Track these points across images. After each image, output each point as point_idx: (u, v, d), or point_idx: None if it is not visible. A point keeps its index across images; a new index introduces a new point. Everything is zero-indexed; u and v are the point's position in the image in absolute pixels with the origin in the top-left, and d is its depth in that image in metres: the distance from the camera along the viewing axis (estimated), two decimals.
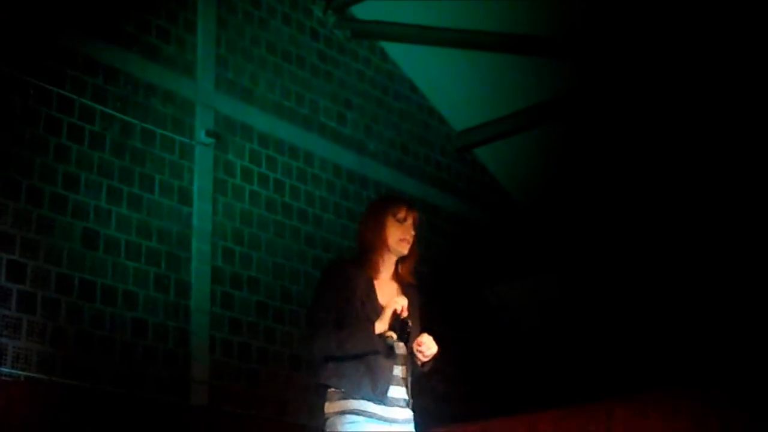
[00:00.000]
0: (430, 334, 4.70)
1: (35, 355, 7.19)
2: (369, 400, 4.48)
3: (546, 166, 11.14)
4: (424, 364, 4.70)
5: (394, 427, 4.52)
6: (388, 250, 4.78)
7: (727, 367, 7.67)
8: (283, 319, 8.92)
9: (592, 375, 10.15)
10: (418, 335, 4.68)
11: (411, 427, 4.61)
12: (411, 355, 4.67)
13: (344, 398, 4.47)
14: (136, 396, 7.66)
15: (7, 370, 7.02)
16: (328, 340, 4.53)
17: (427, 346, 4.65)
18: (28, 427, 6.81)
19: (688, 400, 7.18)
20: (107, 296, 7.73)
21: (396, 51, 10.76)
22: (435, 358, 4.72)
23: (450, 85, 10.95)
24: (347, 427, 4.43)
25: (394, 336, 4.62)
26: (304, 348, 4.69)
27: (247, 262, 8.79)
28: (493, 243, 11.28)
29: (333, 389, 4.52)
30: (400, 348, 4.67)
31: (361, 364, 4.54)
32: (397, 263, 4.84)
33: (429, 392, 9.62)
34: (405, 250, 4.79)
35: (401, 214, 4.81)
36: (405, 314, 4.63)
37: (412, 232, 4.81)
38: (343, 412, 4.45)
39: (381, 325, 4.60)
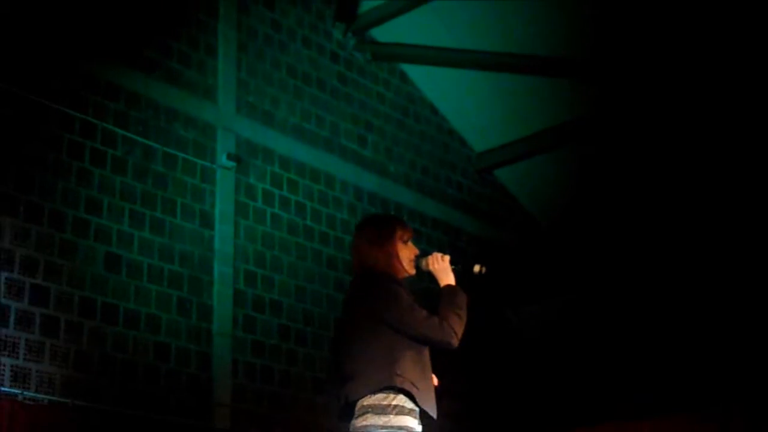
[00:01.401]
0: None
1: (59, 379, 7.21)
2: (429, 410, 4.50)
3: (567, 187, 11.13)
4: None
5: None
6: (403, 270, 4.81)
7: (749, 390, 7.66)
8: (306, 341, 8.92)
9: (614, 398, 10.11)
10: None
11: None
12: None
13: (400, 414, 4.44)
14: (159, 419, 7.66)
15: (31, 393, 7.04)
16: (448, 325, 4.56)
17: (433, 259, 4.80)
18: None
19: (710, 423, 7.15)
20: (130, 320, 7.74)
21: (416, 73, 10.78)
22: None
23: (470, 107, 10.96)
24: None
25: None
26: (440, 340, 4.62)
27: (269, 285, 8.80)
28: (515, 265, 11.24)
29: (383, 403, 4.46)
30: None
31: (426, 375, 4.56)
32: None
33: (443, 411, 9.58)
34: (412, 270, 4.83)
35: (406, 236, 4.85)
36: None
37: (416, 251, 4.86)
38: (398, 428, 4.42)
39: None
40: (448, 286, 4.78)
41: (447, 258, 4.86)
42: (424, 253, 4.88)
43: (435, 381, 4.72)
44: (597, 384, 10.64)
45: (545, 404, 10.43)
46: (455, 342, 4.55)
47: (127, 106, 8.14)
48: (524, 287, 11.13)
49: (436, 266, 4.83)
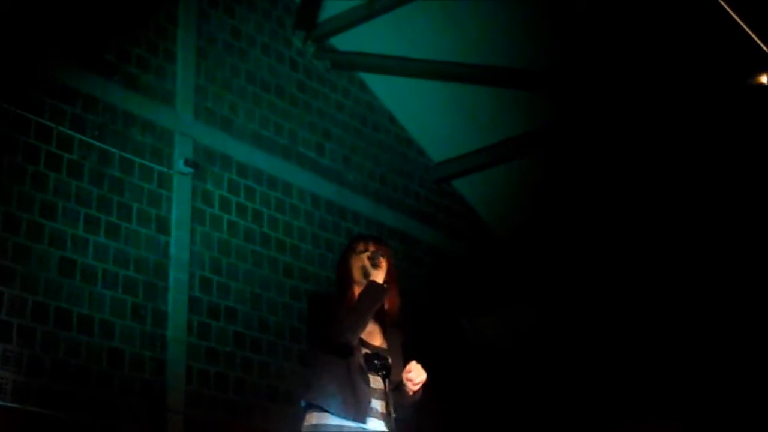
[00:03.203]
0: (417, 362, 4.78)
1: (10, 384, 7.13)
2: (347, 419, 4.47)
3: (524, 198, 11.18)
4: (414, 392, 4.75)
5: None
6: (355, 281, 4.90)
7: (708, 401, 7.71)
8: (261, 349, 8.89)
9: (570, 407, 10.15)
10: (401, 370, 4.74)
11: None
12: (396, 389, 4.72)
13: (321, 413, 4.47)
14: (112, 426, 7.60)
15: None
16: (340, 326, 4.64)
17: (416, 373, 4.73)
18: None
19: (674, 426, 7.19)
20: (84, 325, 7.68)
21: (375, 82, 10.80)
22: (424, 385, 4.76)
23: (428, 117, 10.99)
24: None
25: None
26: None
27: (224, 292, 8.76)
28: (472, 275, 11.28)
29: (307, 424, 4.51)
30: (377, 382, 4.67)
31: (340, 381, 4.55)
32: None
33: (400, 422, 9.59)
34: (364, 277, 4.89)
35: (360, 247, 4.98)
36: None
37: (362, 257, 4.95)
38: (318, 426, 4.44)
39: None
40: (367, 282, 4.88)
41: (366, 255, 4.96)
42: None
43: (415, 375, 4.71)
44: (553, 393, 10.69)
45: (502, 414, 10.45)
46: (339, 338, 4.61)
47: (84, 110, 8.09)
48: (480, 298, 11.16)
49: (363, 266, 4.96)
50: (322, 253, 9.66)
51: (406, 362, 4.86)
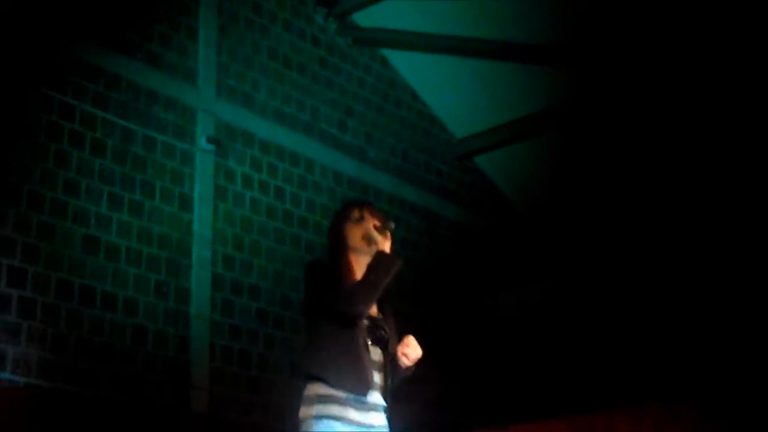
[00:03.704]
0: (415, 337, 4.68)
1: (35, 361, 7.19)
2: (351, 393, 4.42)
3: (547, 173, 11.14)
4: (407, 368, 4.67)
5: None
6: (355, 253, 4.73)
7: (727, 377, 7.68)
8: (283, 326, 8.92)
9: (593, 385, 10.14)
10: (396, 342, 4.66)
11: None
12: (391, 362, 4.63)
13: (321, 402, 4.40)
14: (136, 402, 7.65)
15: (7, 376, 7.01)
16: (352, 296, 4.50)
17: (412, 350, 4.63)
18: None
19: (689, 411, 7.17)
20: (107, 302, 7.72)
21: (397, 58, 10.77)
22: (419, 362, 4.68)
23: (451, 93, 10.95)
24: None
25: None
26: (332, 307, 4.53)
27: (247, 268, 8.79)
28: (495, 251, 11.27)
29: (309, 393, 4.45)
30: (376, 354, 4.61)
31: (345, 355, 4.48)
32: None
33: (420, 399, 9.63)
34: (371, 248, 4.73)
35: (356, 214, 4.78)
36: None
37: (366, 225, 4.75)
38: (320, 417, 4.38)
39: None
40: (374, 252, 4.70)
41: (372, 223, 4.76)
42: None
43: (411, 351, 4.65)
44: (577, 372, 10.67)
45: (524, 392, 10.45)
46: (350, 310, 4.48)
47: (107, 88, 8.11)
48: (503, 274, 11.15)
49: (369, 235, 4.75)
50: None
51: (399, 335, 4.75)
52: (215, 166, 8.76)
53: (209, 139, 8.68)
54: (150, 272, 8.07)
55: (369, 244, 4.70)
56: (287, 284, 9.04)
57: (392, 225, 4.75)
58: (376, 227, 4.70)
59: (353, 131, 10.19)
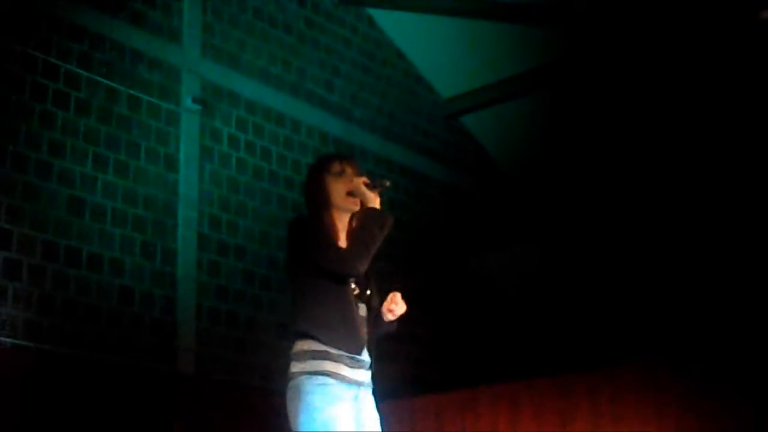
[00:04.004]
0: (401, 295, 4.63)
1: (21, 322, 7.18)
2: (345, 351, 4.39)
3: (533, 134, 11.13)
4: (391, 324, 4.64)
5: (360, 390, 4.47)
6: (337, 209, 4.59)
7: (708, 339, 7.72)
8: (270, 286, 8.92)
9: (576, 346, 10.18)
10: (377, 298, 4.61)
11: (371, 389, 4.56)
12: (374, 318, 4.60)
13: (315, 358, 4.37)
14: (123, 363, 7.65)
15: None
16: (349, 255, 4.37)
17: (398, 305, 4.59)
18: (15, 393, 6.81)
19: (671, 372, 7.22)
20: (93, 263, 7.71)
21: (383, 18, 10.71)
22: (402, 318, 4.64)
23: (437, 53, 10.91)
24: (316, 388, 4.33)
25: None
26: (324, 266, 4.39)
27: (233, 229, 8.78)
28: (480, 212, 11.27)
29: (301, 349, 4.42)
30: (362, 310, 4.58)
31: (338, 313, 4.45)
32: (351, 221, 4.67)
33: (406, 359, 9.67)
34: (355, 205, 4.57)
35: (336, 168, 4.60)
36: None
37: (355, 181, 4.55)
38: (314, 373, 4.35)
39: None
40: (363, 209, 4.52)
41: (362, 180, 4.54)
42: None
43: (397, 308, 4.62)
44: (560, 332, 10.72)
45: (508, 352, 10.49)
46: (351, 270, 4.36)
47: (91, 48, 8.05)
48: (488, 235, 11.16)
49: (357, 192, 4.54)
50: None
51: (384, 292, 4.69)
52: (201, 126, 8.73)
53: (195, 100, 8.64)
54: (136, 233, 8.05)
55: (352, 199, 4.59)
56: (274, 245, 9.03)
57: (387, 183, 4.65)
58: (366, 184, 4.60)
59: (339, 91, 10.15)
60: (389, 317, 4.60)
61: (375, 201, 4.52)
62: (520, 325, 10.91)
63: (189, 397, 7.85)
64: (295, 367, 4.39)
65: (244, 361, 8.56)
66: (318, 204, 4.57)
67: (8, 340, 7.09)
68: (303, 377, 4.34)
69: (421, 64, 11.09)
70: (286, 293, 8.82)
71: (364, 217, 4.48)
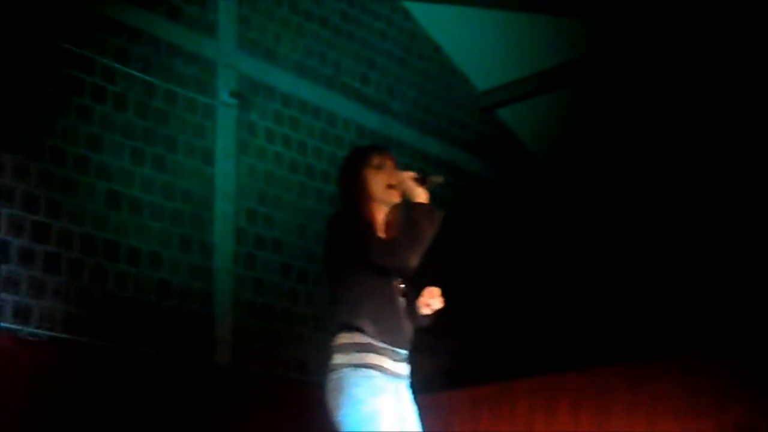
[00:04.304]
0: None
1: (60, 315, 7.24)
2: (391, 345, 4.40)
3: (570, 126, 11.08)
4: (426, 318, 4.64)
5: (400, 382, 4.47)
6: (376, 201, 4.58)
7: (750, 334, 7.66)
8: (307, 279, 8.94)
9: (615, 339, 10.14)
10: (413, 292, 4.60)
11: (408, 382, 4.56)
12: (411, 312, 4.58)
13: (361, 351, 4.37)
14: (161, 355, 7.70)
15: (32, 330, 7.07)
16: (402, 250, 4.36)
17: (436, 300, 4.59)
18: (54, 387, 6.87)
19: (711, 367, 7.17)
20: (131, 257, 7.76)
21: (419, 10, 10.69)
22: (437, 313, 4.64)
23: (473, 45, 10.88)
24: (361, 380, 4.34)
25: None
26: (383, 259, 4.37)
27: (270, 223, 8.80)
28: (516, 205, 11.24)
29: (346, 342, 4.41)
30: (402, 304, 4.57)
31: (385, 307, 4.45)
32: (389, 213, 4.64)
33: (442, 352, 9.68)
34: (395, 197, 4.57)
35: (376, 161, 4.59)
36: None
37: (403, 175, 4.55)
38: (358, 365, 4.35)
39: None
40: (413, 204, 4.51)
41: (409, 174, 4.55)
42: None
43: (435, 302, 4.61)
44: (596, 327, 10.67)
45: (543, 346, 10.46)
46: (406, 265, 4.37)
47: (128, 42, 8.09)
48: (524, 228, 11.13)
49: (403, 186, 4.54)
50: None
51: (421, 286, 4.67)
52: (237, 120, 8.75)
53: (231, 93, 8.66)
54: (173, 227, 8.09)
55: (393, 192, 4.56)
56: (310, 238, 9.04)
57: (440, 179, 4.63)
58: (415, 178, 4.58)
59: (375, 84, 10.15)
60: (425, 311, 4.60)
61: (423, 196, 4.52)
62: (554, 319, 10.87)
63: (226, 389, 7.88)
64: (339, 358, 4.39)
65: (280, 354, 8.59)
66: (358, 197, 4.56)
67: (47, 333, 7.16)
68: (347, 369, 4.35)
69: (457, 57, 11.05)
70: (323, 286, 8.88)
71: (416, 212, 4.46)
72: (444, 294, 4.63)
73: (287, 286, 8.81)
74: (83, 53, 7.73)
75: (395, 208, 4.61)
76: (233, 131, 8.71)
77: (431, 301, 4.59)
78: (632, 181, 10.98)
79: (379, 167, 4.58)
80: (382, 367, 4.35)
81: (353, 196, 4.58)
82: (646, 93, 10.37)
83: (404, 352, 4.47)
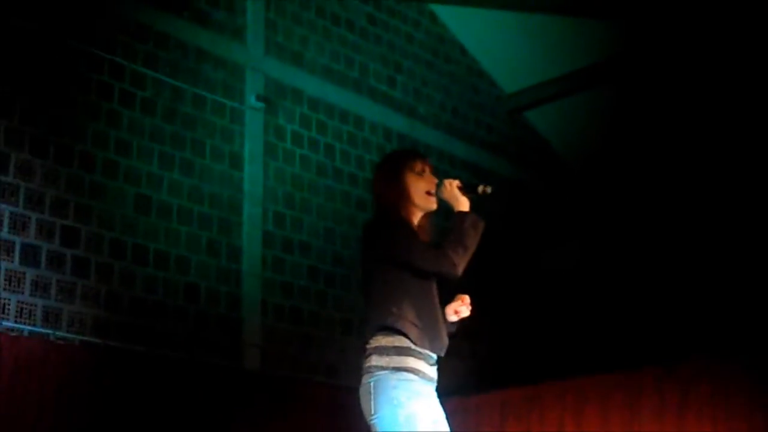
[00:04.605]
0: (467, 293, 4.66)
1: (90, 319, 7.28)
2: (430, 350, 4.42)
3: (597, 128, 11.05)
4: (452, 323, 4.67)
5: (433, 386, 4.49)
6: (415, 206, 4.57)
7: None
8: (335, 283, 8.95)
9: (644, 341, 10.10)
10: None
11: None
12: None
13: (400, 354, 4.38)
14: (189, 359, 7.72)
15: (62, 333, 7.11)
16: (451, 257, 4.38)
17: (466, 307, 4.63)
18: (84, 390, 6.90)
19: (742, 369, 7.14)
20: (160, 261, 7.79)
21: (445, 13, 10.70)
22: (463, 320, 4.67)
23: (500, 48, 10.87)
24: (401, 383, 4.34)
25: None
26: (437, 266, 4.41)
27: (298, 226, 8.82)
28: (544, 206, 11.21)
29: (386, 344, 4.42)
30: None
31: (427, 312, 4.47)
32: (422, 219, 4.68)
33: (471, 355, 9.68)
34: (433, 204, 4.58)
35: (418, 167, 4.59)
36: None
37: (435, 182, 4.58)
38: (398, 369, 4.37)
39: None
40: (459, 212, 4.54)
41: (455, 182, 4.58)
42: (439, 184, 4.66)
43: (464, 310, 4.64)
44: (625, 329, 10.64)
45: (571, 349, 10.43)
46: (454, 272, 4.38)
47: (156, 47, 8.13)
48: (551, 230, 11.10)
49: (446, 194, 4.56)
50: None
51: (452, 292, 4.70)
52: (265, 123, 8.78)
53: (259, 97, 8.69)
54: (202, 230, 8.12)
55: (431, 198, 4.55)
56: (338, 241, 9.07)
57: (489, 189, 4.67)
58: (459, 187, 4.61)
59: (402, 87, 10.16)
60: (453, 318, 4.62)
61: (465, 204, 4.56)
62: (580, 321, 10.84)
63: (254, 393, 7.90)
64: (378, 361, 4.38)
65: (308, 357, 8.60)
66: (398, 201, 4.56)
67: (77, 336, 7.19)
68: (387, 372, 4.35)
69: (484, 59, 11.05)
70: (350, 290, 8.90)
71: (463, 221, 4.51)
72: (472, 298, 4.64)
73: (315, 289, 8.82)
74: (113, 59, 7.77)
75: (428, 214, 4.63)
76: (261, 135, 8.73)
77: (461, 308, 4.62)
78: (657, 183, 10.93)
79: (421, 173, 4.60)
80: (419, 370, 4.36)
81: (392, 200, 4.59)
82: (673, 95, 10.33)
83: (437, 356, 4.49)
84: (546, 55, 10.66)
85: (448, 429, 4.47)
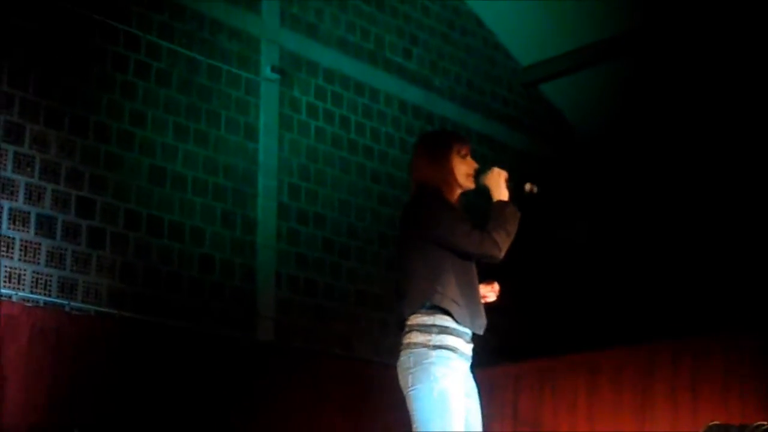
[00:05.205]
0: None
1: (105, 290, 7.31)
2: (470, 328, 4.49)
3: (612, 102, 11.01)
4: None
5: (468, 362, 4.56)
6: (458, 185, 4.68)
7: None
8: (349, 255, 8.96)
9: (657, 315, 10.10)
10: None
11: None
12: None
13: (441, 333, 4.45)
14: (203, 330, 7.75)
15: (78, 304, 7.14)
16: (496, 241, 4.47)
17: (493, 294, 4.77)
18: (99, 359, 6.93)
19: (748, 339, 7.14)
20: (175, 232, 7.81)
21: None
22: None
23: (516, 21, 10.83)
24: (440, 360, 4.41)
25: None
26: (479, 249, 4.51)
27: (313, 198, 8.82)
28: (560, 179, 11.18)
29: (427, 322, 4.47)
30: None
31: (469, 292, 4.54)
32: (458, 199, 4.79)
33: (488, 329, 9.66)
34: (471, 185, 4.69)
35: (464, 151, 4.72)
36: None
37: (476, 166, 4.70)
38: (438, 346, 4.44)
39: None
40: (499, 201, 4.65)
41: (504, 174, 4.70)
42: (484, 169, 4.77)
43: (491, 296, 4.75)
44: (638, 304, 10.63)
45: (585, 323, 10.43)
46: (498, 254, 4.48)
47: (172, 18, 8.12)
48: (565, 204, 11.08)
49: (491, 182, 4.68)
50: (409, 159, 9.62)
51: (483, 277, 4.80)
52: (280, 95, 8.77)
53: (274, 69, 8.68)
54: (216, 202, 8.13)
55: (471, 180, 4.67)
56: (353, 213, 9.07)
57: (535, 189, 4.76)
58: (506, 180, 4.67)
59: (418, 59, 10.13)
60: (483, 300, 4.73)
61: (506, 195, 4.67)
62: (598, 295, 10.83)
63: (268, 364, 7.92)
64: (418, 337, 4.46)
65: (322, 329, 8.62)
66: (440, 180, 4.66)
67: (92, 307, 7.22)
68: (426, 349, 4.43)
69: (500, 32, 11.01)
70: (365, 262, 8.92)
71: (503, 207, 4.62)
72: (484, 273, 4.71)
73: (329, 261, 8.83)
74: (128, 30, 7.76)
75: (462, 194, 4.72)
76: (276, 107, 8.72)
77: (489, 293, 4.73)
78: (671, 156, 10.90)
79: (464, 157, 4.72)
80: (457, 348, 4.45)
81: (437, 181, 4.68)
82: (689, 70, 10.28)
83: (474, 334, 4.57)
84: (561, 28, 10.61)
85: (477, 401, 4.56)
